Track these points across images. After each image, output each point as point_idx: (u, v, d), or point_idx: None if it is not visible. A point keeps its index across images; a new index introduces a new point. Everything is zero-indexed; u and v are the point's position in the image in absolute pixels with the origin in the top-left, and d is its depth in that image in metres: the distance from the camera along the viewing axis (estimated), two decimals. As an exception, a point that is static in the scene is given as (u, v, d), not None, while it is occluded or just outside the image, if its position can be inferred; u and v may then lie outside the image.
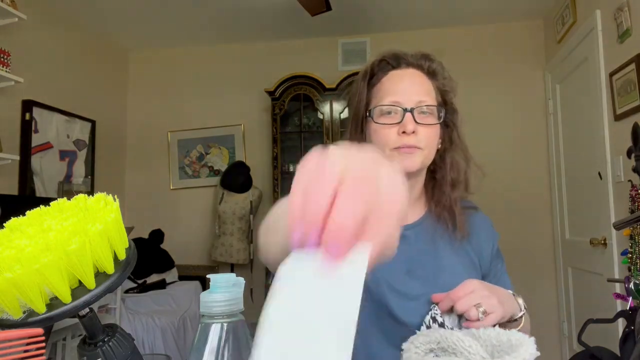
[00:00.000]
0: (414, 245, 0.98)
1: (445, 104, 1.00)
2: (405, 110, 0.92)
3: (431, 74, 0.99)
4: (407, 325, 0.88)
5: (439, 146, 1.01)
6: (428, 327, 0.84)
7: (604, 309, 2.66)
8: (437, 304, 0.85)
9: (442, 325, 0.82)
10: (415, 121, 0.92)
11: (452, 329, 0.82)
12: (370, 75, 0.99)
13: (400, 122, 0.92)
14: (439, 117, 0.95)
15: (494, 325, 0.89)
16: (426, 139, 0.93)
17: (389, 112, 0.94)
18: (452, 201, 0.99)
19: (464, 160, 1.02)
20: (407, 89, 0.95)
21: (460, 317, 0.82)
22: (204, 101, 4.35)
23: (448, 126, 1.01)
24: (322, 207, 0.36)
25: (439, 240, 0.99)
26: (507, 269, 1.09)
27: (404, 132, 0.91)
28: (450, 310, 0.82)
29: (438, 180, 1.02)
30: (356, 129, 1.01)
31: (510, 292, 0.89)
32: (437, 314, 0.84)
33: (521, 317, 0.87)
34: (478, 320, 0.78)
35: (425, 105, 0.94)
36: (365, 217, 0.36)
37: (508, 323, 0.87)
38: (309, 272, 0.38)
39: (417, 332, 0.86)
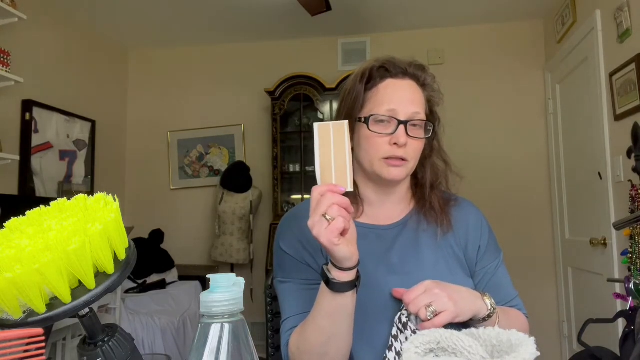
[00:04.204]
0: (397, 243, 1.01)
1: (431, 114, 1.05)
2: (399, 122, 0.95)
3: (423, 86, 1.03)
4: (382, 320, 0.92)
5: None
6: (398, 328, 0.87)
7: (604, 309, 2.66)
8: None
9: (405, 325, 0.86)
10: (407, 134, 0.95)
11: (416, 329, 0.85)
12: (368, 79, 1.01)
13: (393, 133, 0.95)
14: (427, 131, 0.99)
15: (464, 325, 0.91)
16: (414, 151, 0.98)
17: (383, 121, 0.96)
18: (431, 199, 1.04)
19: (443, 163, 1.07)
20: (403, 99, 0.98)
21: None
22: (204, 101, 4.35)
23: (430, 134, 1.05)
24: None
25: (422, 236, 1.02)
26: (508, 269, 1.08)
27: (395, 144, 0.95)
28: None
29: (420, 180, 1.07)
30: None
31: (479, 292, 0.91)
32: (403, 314, 0.87)
33: (489, 315, 0.89)
34: (428, 320, 0.81)
35: (418, 120, 0.97)
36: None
37: (479, 322, 0.89)
38: None
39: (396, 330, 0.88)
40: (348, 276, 0.80)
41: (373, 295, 0.94)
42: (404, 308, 0.88)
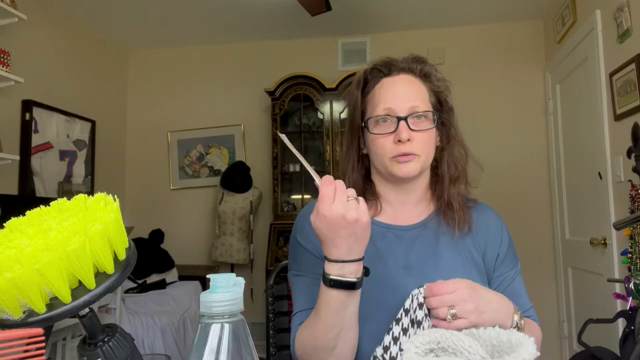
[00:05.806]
0: (416, 245, 0.99)
1: (440, 103, 1.02)
2: (399, 118, 0.94)
3: (424, 77, 1.00)
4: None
5: (438, 144, 1.03)
6: (412, 301, 0.84)
7: (604, 309, 2.66)
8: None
9: (420, 305, 0.82)
10: (410, 128, 0.94)
11: (428, 312, 0.81)
12: (364, 84, 1.01)
13: (395, 130, 0.94)
14: (434, 121, 0.97)
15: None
16: (422, 144, 0.95)
17: (384, 121, 0.96)
18: (450, 196, 1.01)
19: (462, 154, 1.04)
20: (399, 95, 0.96)
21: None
22: (204, 101, 4.35)
23: (445, 124, 1.03)
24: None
25: (441, 238, 1.00)
26: None
27: (399, 141, 0.93)
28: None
29: (440, 176, 1.04)
30: (353, 137, 1.04)
31: (512, 306, 0.85)
32: (420, 294, 0.83)
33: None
34: (445, 320, 0.77)
35: (420, 112, 0.95)
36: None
37: None
38: None
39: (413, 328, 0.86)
40: (360, 267, 0.79)
41: (388, 295, 0.93)
42: (423, 288, 0.83)
